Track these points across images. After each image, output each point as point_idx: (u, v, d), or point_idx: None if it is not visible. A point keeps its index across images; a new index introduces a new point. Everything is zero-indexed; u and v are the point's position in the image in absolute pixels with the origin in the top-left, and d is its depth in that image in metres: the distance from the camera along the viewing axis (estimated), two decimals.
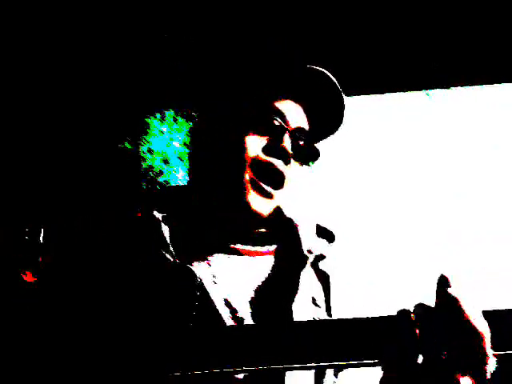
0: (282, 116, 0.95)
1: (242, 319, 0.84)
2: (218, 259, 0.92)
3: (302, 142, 0.97)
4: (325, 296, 0.94)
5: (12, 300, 0.86)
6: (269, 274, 0.92)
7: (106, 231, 0.92)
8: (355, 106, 1.96)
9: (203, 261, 0.90)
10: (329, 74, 0.99)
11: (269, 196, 0.94)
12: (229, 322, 0.82)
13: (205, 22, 1.67)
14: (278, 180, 0.94)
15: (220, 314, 0.81)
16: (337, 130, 1.04)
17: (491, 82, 1.79)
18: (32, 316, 0.82)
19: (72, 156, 1.54)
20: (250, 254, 0.95)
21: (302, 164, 0.99)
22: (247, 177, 0.92)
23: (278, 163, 0.93)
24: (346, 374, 0.91)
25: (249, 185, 0.92)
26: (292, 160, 0.95)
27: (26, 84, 1.58)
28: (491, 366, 0.60)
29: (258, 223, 0.96)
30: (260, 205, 0.93)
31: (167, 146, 1.64)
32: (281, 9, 1.68)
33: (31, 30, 1.58)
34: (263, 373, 0.74)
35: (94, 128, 1.58)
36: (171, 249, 0.87)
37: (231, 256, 0.93)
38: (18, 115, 1.57)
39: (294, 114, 0.97)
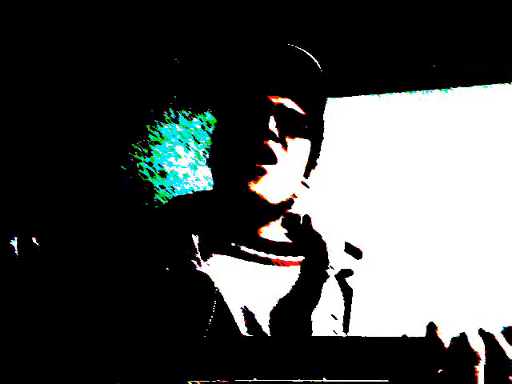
0: (263, 96, 0.96)
1: (259, 329, 0.84)
2: (240, 267, 0.93)
3: (289, 118, 0.97)
4: (345, 310, 0.96)
5: (14, 300, 0.85)
6: (291, 286, 0.93)
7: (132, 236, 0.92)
8: (355, 107, 1.96)
9: (225, 268, 0.91)
10: (295, 46, 0.99)
11: (262, 172, 0.93)
12: (245, 331, 0.83)
13: (202, 16, 1.67)
14: (269, 157, 0.94)
15: (236, 324, 0.82)
16: (323, 96, 1.03)
17: (491, 82, 1.79)
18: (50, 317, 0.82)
19: (86, 160, 1.53)
20: (273, 263, 0.96)
21: (301, 137, 0.99)
22: (240, 161, 0.93)
23: (269, 142, 0.93)
24: None
25: (243, 168, 0.93)
26: (283, 137, 0.96)
27: (26, 85, 1.57)
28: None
29: (265, 209, 0.95)
30: (257, 185, 0.92)
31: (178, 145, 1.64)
32: (276, 8, 1.67)
33: (33, 29, 1.57)
34: None
35: (106, 130, 1.57)
36: (198, 256, 0.87)
37: (253, 263, 0.94)
38: (17, 117, 1.57)
39: (276, 92, 0.97)
